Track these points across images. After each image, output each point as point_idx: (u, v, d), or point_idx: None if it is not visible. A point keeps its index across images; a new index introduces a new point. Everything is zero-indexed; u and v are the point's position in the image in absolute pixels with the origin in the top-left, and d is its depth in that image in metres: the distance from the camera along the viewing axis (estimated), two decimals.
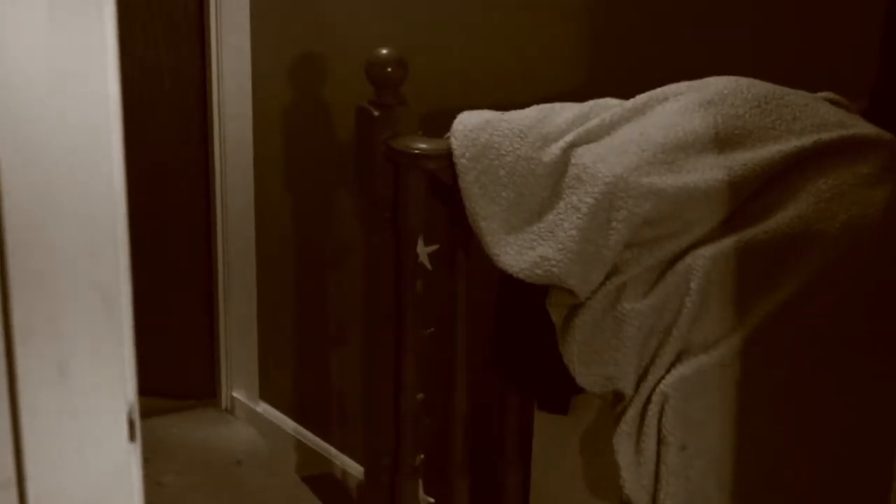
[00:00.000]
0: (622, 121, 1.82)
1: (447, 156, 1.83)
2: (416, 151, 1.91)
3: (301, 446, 3.33)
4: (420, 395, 2.07)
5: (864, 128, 1.75)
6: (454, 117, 1.86)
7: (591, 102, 1.90)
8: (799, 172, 1.70)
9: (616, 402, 1.75)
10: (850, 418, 1.67)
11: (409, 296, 2.01)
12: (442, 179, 1.87)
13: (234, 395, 3.60)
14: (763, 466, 1.69)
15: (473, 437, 2.09)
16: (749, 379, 1.66)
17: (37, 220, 0.76)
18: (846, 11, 2.00)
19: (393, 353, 2.05)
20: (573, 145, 1.77)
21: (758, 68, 1.90)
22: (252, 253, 3.48)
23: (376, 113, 1.96)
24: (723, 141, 1.74)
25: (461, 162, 1.80)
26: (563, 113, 1.85)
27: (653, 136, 1.75)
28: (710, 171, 1.71)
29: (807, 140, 1.72)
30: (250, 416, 3.54)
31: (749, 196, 1.72)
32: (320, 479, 3.19)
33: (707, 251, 1.68)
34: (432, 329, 2.05)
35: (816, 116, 1.76)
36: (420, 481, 2.11)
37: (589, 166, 1.73)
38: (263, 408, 3.52)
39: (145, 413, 0.87)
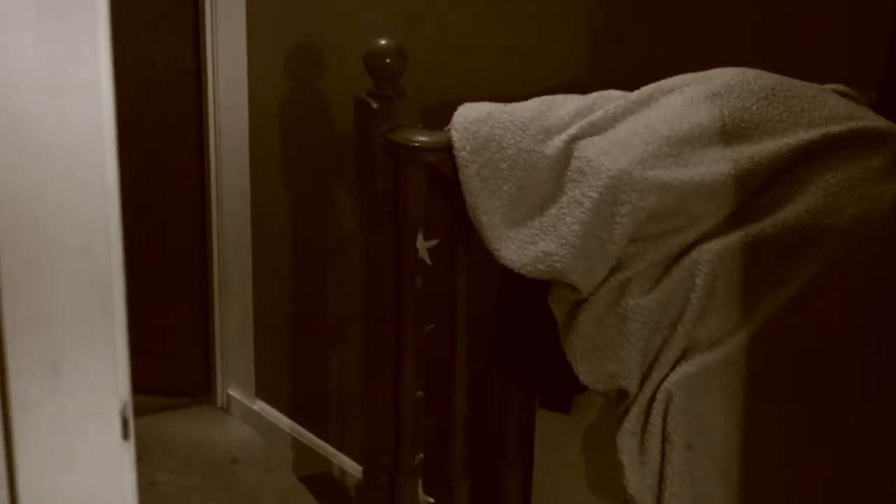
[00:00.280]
0: (626, 113, 1.82)
1: (447, 149, 1.83)
2: (416, 144, 1.91)
3: (298, 445, 3.33)
4: (420, 393, 2.07)
5: (873, 120, 1.75)
6: (454, 109, 1.86)
7: (594, 94, 1.90)
8: (807, 166, 1.70)
9: (619, 400, 1.75)
10: (859, 417, 1.67)
11: (408, 292, 2.01)
12: (442, 173, 1.87)
13: (230, 392, 3.60)
14: (769, 466, 1.69)
15: (474, 436, 2.10)
16: (755, 376, 1.66)
17: (29, 216, 0.76)
18: (855, 1, 2.00)
19: (392, 351, 2.05)
20: (576, 138, 1.77)
21: (765, 59, 1.90)
22: (248, 248, 3.48)
23: (375, 105, 1.96)
24: (729, 133, 1.74)
25: (462, 155, 1.80)
26: (565, 105, 1.85)
27: (657, 128, 1.75)
28: (716, 164, 1.71)
29: (815, 133, 1.72)
30: (246, 414, 3.55)
31: (756, 190, 1.72)
32: (318, 478, 3.20)
33: (713, 246, 1.68)
34: (432, 326, 2.05)
35: (825, 108, 1.76)
36: (420, 481, 2.12)
37: (592, 159, 1.73)
38: (260, 406, 3.52)
39: (139, 411, 0.87)
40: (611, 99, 1.87)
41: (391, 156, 1.96)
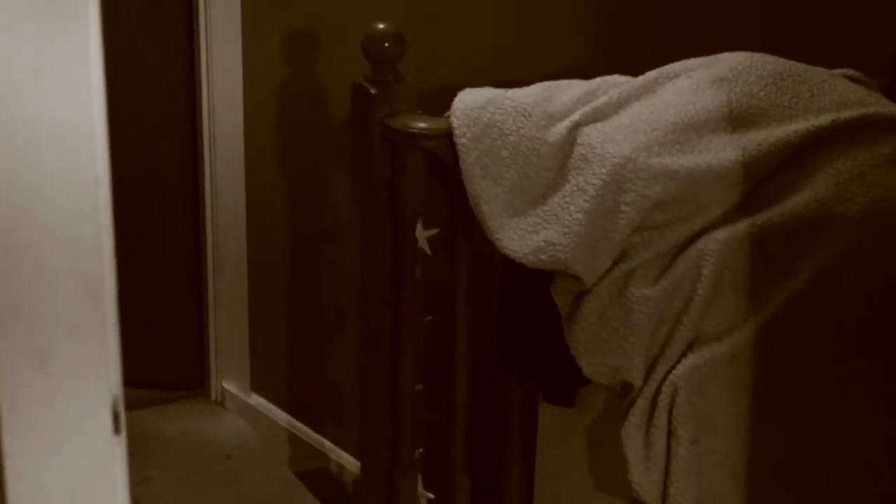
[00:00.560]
0: (631, 99, 1.81)
1: (447, 135, 1.83)
2: (415, 131, 1.91)
3: (294, 440, 3.33)
4: (419, 387, 2.07)
5: (885, 106, 1.75)
6: (454, 95, 1.86)
7: (598, 79, 1.89)
8: (816, 153, 1.70)
9: (624, 393, 1.75)
10: (869, 411, 1.67)
11: (407, 282, 2.01)
12: (442, 160, 1.87)
13: (225, 386, 3.60)
14: (777, 461, 1.69)
15: (475, 431, 2.10)
16: (763, 369, 1.66)
17: (15, 203, 0.76)
18: None
19: (391, 343, 2.05)
20: (579, 124, 1.77)
21: (774, 43, 1.89)
22: (243, 237, 3.48)
23: (373, 90, 1.96)
24: (737, 120, 1.74)
25: (462, 142, 1.80)
26: (568, 90, 1.85)
27: (663, 114, 1.75)
28: (723, 151, 1.71)
29: (825, 119, 1.72)
30: (241, 408, 3.55)
31: (764, 177, 1.72)
32: (314, 474, 3.20)
33: (720, 235, 1.68)
34: (431, 317, 2.05)
35: (835, 94, 1.76)
36: (419, 476, 2.12)
37: (596, 146, 1.73)
38: (255, 399, 3.52)
39: (131, 405, 0.87)
40: (615, 84, 1.86)
41: (389, 143, 1.96)
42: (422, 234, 1.99)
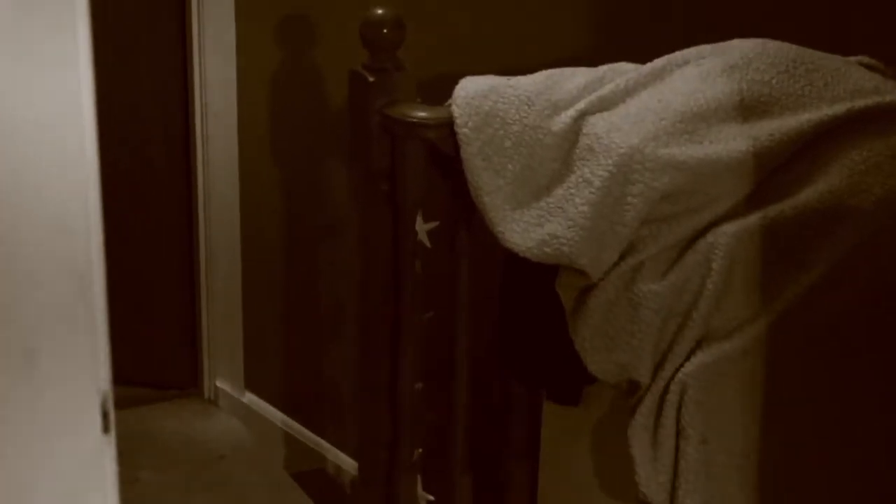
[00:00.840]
0: (638, 87, 1.81)
1: (448, 125, 1.83)
2: (415, 120, 1.91)
3: (290, 440, 3.33)
4: (419, 385, 2.07)
5: None
6: (455, 83, 1.86)
7: (604, 67, 1.89)
8: (830, 143, 1.70)
9: (631, 392, 1.75)
10: (885, 408, 1.67)
11: (406, 276, 2.01)
12: (442, 150, 1.87)
13: (218, 384, 3.61)
14: (789, 461, 1.69)
15: (476, 431, 2.10)
16: (775, 366, 1.66)
17: (2, 197, 0.76)
18: None
19: (389, 340, 2.05)
20: (585, 113, 1.77)
21: (786, 30, 1.89)
22: (237, 231, 3.48)
23: (371, 78, 1.96)
24: (748, 109, 1.74)
25: (463, 131, 1.80)
26: (573, 79, 1.85)
27: (672, 103, 1.75)
28: (733, 141, 1.71)
29: (839, 108, 1.71)
30: (235, 407, 3.55)
31: (776, 168, 1.72)
32: (311, 475, 3.20)
33: (730, 228, 1.68)
34: (432, 313, 2.05)
35: (849, 82, 1.76)
36: (419, 478, 2.12)
37: (602, 136, 1.73)
38: (249, 398, 3.52)
39: (121, 403, 0.87)
40: (622, 72, 1.86)
41: (388, 132, 1.96)
42: (422, 227, 1.99)
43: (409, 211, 1.98)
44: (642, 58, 1.89)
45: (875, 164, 1.66)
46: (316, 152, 3.13)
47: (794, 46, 1.81)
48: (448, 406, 2.07)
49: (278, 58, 3.20)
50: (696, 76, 1.79)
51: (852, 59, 1.84)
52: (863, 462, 1.68)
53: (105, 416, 0.82)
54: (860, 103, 1.72)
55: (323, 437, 3.23)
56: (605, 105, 1.79)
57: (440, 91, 1.88)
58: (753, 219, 1.67)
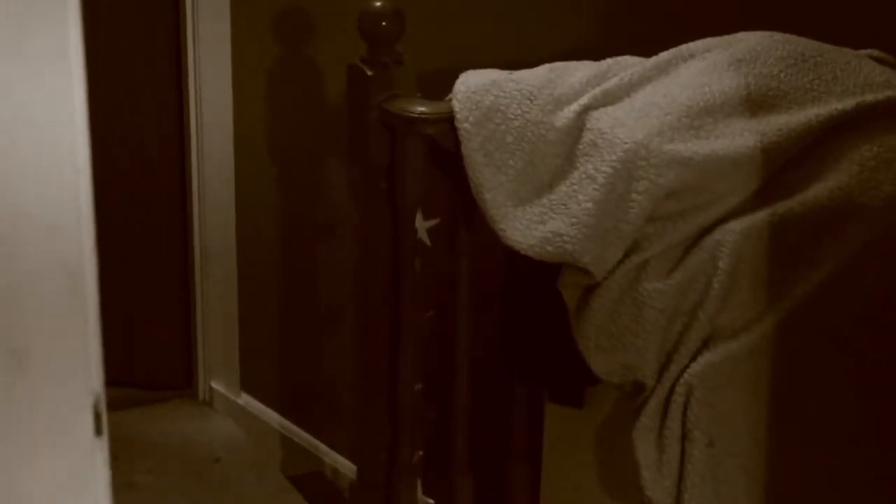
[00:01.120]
0: (643, 81, 1.81)
1: (448, 120, 1.83)
2: (414, 115, 1.91)
3: (287, 442, 3.33)
4: (419, 386, 2.07)
5: None
6: (456, 77, 1.86)
7: (608, 60, 1.89)
8: (840, 138, 1.70)
9: (636, 393, 1.75)
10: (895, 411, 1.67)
11: (406, 275, 2.01)
12: (443, 146, 1.87)
13: (213, 385, 3.61)
14: (798, 464, 1.69)
15: (477, 433, 2.10)
16: (783, 367, 1.66)
17: None
18: None
19: (389, 339, 2.05)
20: (588, 108, 1.77)
21: (794, 22, 1.89)
22: (232, 228, 3.47)
23: (370, 72, 1.96)
24: (755, 103, 1.74)
25: (464, 127, 1.80)
26: (577, 72, 1.85)
27: (677, 97, 1.75)
28: (740, 136, 1.71)
29: (849, 102, 1.71)
30: (231, 408, 3.55)
31: (784, 164, 1.72)
32: (308, 478, 3.20)
33: (737, 226, 1.68)
34: (432, 312, 2.05)
35: (860, 76, 1.76)
36: (418, 481, 2.12)
37: (606, 131, 1.73)
38: (245, 400, 3.52)
39: (113, 405, 0.87)
40: (626, 66, 1.86)
41: (387, 128, 1.96)
42: (421, 225, 1.99)
43: (408, 208, 1.98)
44: (647, 51, 1.89)
45: (886, 159, 1.66)
46: (313, 149, 3.13)
47: (802, 39, 1.81)
48: (448, 408, 2.08)
49: (274, 51, 3.20)
50: (702, 70, 1.79)
51: (862, 52, 1.84)
52: (874, 465, 1.68)
53: (97, 418, 0.82)
54: (870, 98, 1.72)
55: (321, 440, 3.23)
56: (609, 100, 1.79)
57: (440, 85, 1.89)
58: (761, 216, 1.67)
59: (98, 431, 0.83)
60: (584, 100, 1.78)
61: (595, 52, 1.94)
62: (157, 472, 3.19)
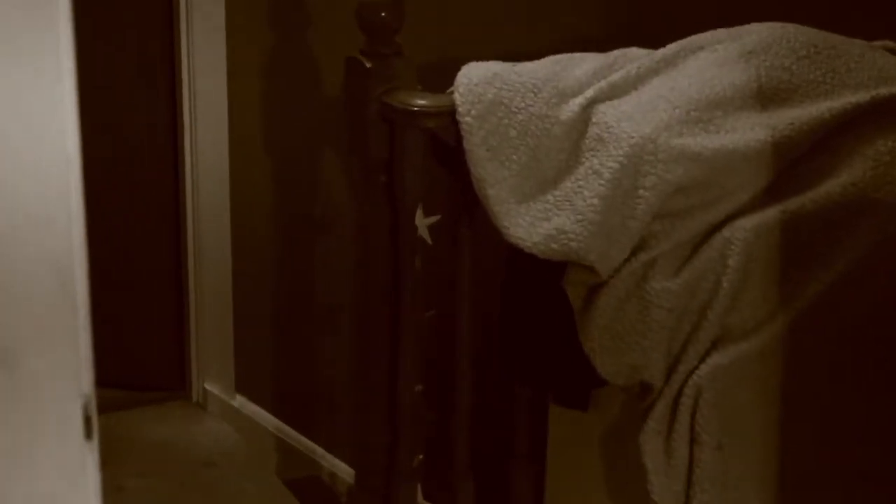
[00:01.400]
0: (650, 73, 1.81)
1: (450, 113, 1.83)
2: (415, 108, 1.91)
3: (283, 445, 3.34)
4: (419, 387, 2.07)
5: None
6: (458, 69, 1.86)
7: (614, 52, 1.89)
8: (853, 133, 1.70)
9: (643, 395, 1.75)
10: None
11: (406, 273, 2.01)
12: (444, 140, 1.87)
13: (207, 386, 3.61)
14: (810, 469, 1.69)
15: (479, 436, 2.10)
16: (794, 369, 1.66)
17: None
18: None
19: (388, 340, 2.05)
20: (594, 101, 1.77)
21: (806, 13, 1.89)
22: (226, 224, 3.47)
23: (369, 64, 1.96)
24: (766, 96, 1.74)
25: (466, 120, 1.80)
26: (582, 64, 1.85)
27: (686, 91, 1.75)
28: (751, 131, 1.71)
29: (863, 96, 1.71)
30: (225, 410, 3.55)
31: (796, 160, 1.72)
32: (305, 482, 3.20)
33: (747, 223, 1.68)
34: (432, 312, 2.05)
35: (874, 68, 1.76)
36: (418, 485, 2.12)
37: (612, 125, 1.72)
38: (240, 401, 3.52)
39: (104, 407, 0.86)
40: (633, 58, 1.86)
41: (387, 121, 1.96)
42: (422, 222, 1.99)
43: (408, 204, 1.98)
44: (654, 43, 1.89)
45: None
46: (310, 143, 3.13)
47: (814, 30, 1.81)
48: (449, 410, 2.08)
49: (270, 42, 3.20)
50: (711, 62, 1.79)
51: (877, 43, 1.84)
52: (890, 470, 1.68)
53: (87, 420, 0.82)
54: (885, 91, 1.72)
55: (318, 443, 3.24)
56: (615, 93, 1.79)
57: (442, 78, 1.88)
58: (772, 212, 1.67)
59: (88, 434, 0.82)
60: (589, 93, 1.78)
61: (601, 44, 1.94)
62: (148, 477, 3.19)
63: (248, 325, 3.49)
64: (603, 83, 1.80)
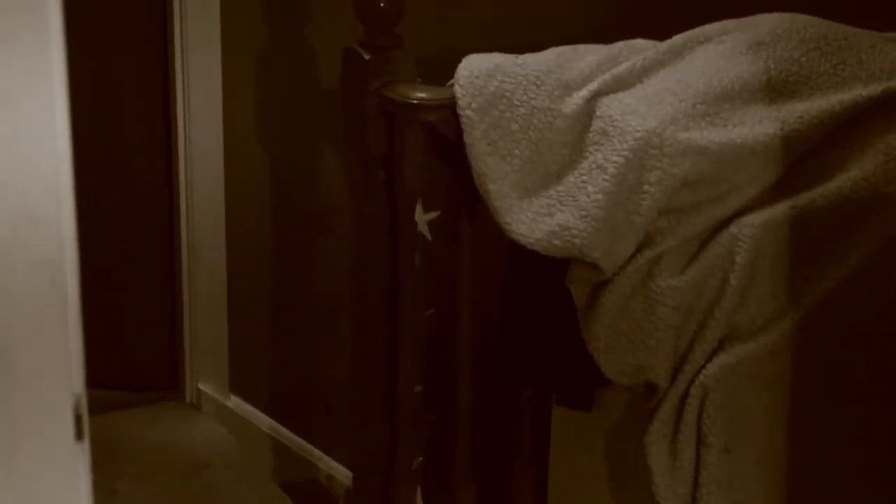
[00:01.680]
0: (656, 66, 1.81)
1: (450, 106, 1.83)
2: (415, 101, 1.91)
3: (279, 447, 3.34)
4: (418, 388, 2.07)
5: None
6: (458, 61, 1.86)
7: (619, 44, 1.89)
8: (865, 126, 1.70)
9: (648, 395, 1.75)
10: None
11: (405, 271, 2.01)
12: (444, 134, 1.87)
13: (201, 387, 3.61)
14: (820, 472, 1.69)
15: (481, 437, 2.10)
16: (804, 369, 1.66)
17: None
18: None
19: (387, 339, 2.05)
20: (598, 94, 1.77)
21: (816, 4, 1.89)
22: (221, 221, 3.48)
23: (367, 56, 1.96)
24: (775, 89, 1.74)
25: (467, 114, 1.80)
26: (586, 57, 1.85)
27: (692, 83, 1.75)
28: (759, 124, 1.71)
29: (875, 88, 1.71)
30: (219, 411, 3.55)
31: (805, 154, 1.72)
32: (301, 485, 3.21)
33: (756, 219, 1.68)
34: (432, 310, 2.05)
35: (886, 60, 1.76)
36: (418, 487, 2.12)
37: (617, 119, 1.72)
38: (234, 402, 3.53)
39: (96, 408, 0.87)
40: (638, 49, 1.86)
41: (386, 115, 1.96)
42: (422, 218, 1.99)
43: (408, 200, 1.98)
44: (660, 34, 1.89)
45: None
46: (307, 137, 3.13)
47: (825, 21, 1.81)
48: (450, 411, 2.08)
49: (266, 33, 3.20)
50: (718, 54, 1.79)
51: (889, 34, 1.84)
52: None
53: (78, 421, 0.82)
54: None
55: (315, 445, 3.24)
56: (620, 85, 1.79)
57: (442, 70, 1.88)
58: (781, 208, 1.67)
59: (79, 435, 0.83)
60: (593, 85, 1.78)
61: (605, 35, 1.94)
62: (141, 479, 3.20)
63: (243, 324, 3.50)
64: (607, 76, 1.80)
